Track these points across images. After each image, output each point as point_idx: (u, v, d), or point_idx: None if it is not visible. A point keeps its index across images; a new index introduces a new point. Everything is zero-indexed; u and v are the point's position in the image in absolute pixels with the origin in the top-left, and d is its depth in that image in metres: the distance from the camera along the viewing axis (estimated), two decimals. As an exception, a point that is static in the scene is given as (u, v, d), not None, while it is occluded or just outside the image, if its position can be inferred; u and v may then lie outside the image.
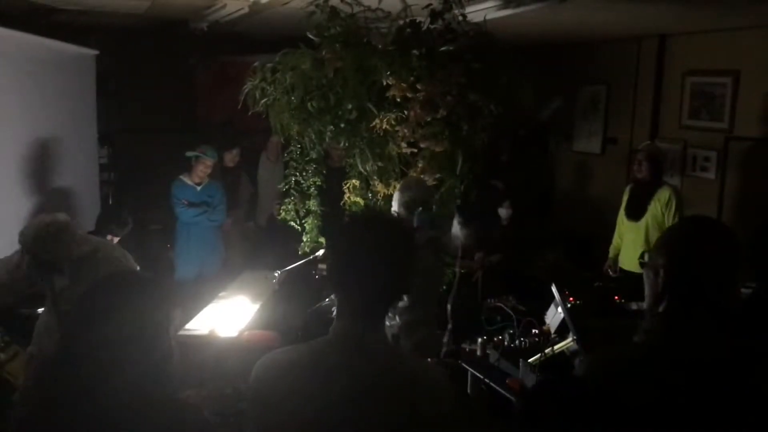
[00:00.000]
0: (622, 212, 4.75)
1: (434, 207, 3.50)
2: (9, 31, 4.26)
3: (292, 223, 4.47)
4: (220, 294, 4.14)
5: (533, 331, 3.40)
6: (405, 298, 3.49)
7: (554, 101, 6.74)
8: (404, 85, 3.60)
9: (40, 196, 4.72)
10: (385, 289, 1.52)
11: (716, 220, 1.60)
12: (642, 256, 1.61)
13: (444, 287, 4.34)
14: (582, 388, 1.45)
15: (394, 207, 3.47)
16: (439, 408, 1.46)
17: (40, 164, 4.77)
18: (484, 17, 3.82)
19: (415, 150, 3.84)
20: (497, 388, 3.05)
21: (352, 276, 1.50)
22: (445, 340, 3.76)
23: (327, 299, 3.61)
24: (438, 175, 3.86)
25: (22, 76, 4.54)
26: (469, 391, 3.33)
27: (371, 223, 1.59)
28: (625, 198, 4.76)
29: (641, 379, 1.40)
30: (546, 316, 3.41)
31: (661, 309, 1.50)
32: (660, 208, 4.40)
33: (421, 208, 3.35)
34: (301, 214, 4.44)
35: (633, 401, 1.38)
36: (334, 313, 1.59)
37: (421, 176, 3.86)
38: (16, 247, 3.95)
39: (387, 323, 3.63)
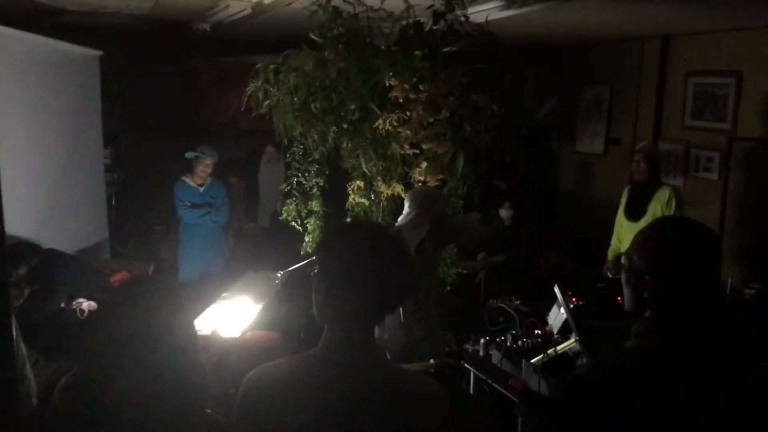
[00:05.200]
0: (620, 214, 4.74)
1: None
2: (14, 32, 4.27)
3: (294, 224, 4.48)
4: (223, 294, 4.15)
5: (536, 331, 3.41)
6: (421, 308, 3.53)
7: (550, 102, 6.74)
8: (407, 85, 3.60)
9: (46, 197, 4.73)
10: (377, 299, 1.48)
11: (693, 220, 1.57)
12: (618, 259, 1.61)
13: (449, 288, 4.35)
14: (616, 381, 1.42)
15: (409, 215, 3.46)
16: (431, 423, 1.43)
17: (46, 165, 4.78)
18: (487, 18, 3.82)
19: (418, 151, 3.84)
20: (500, 388, 3.05)
21: (342, 288, 1.47)
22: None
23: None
24: (441, 176, 3.86)
25: (28, 76, 4.55)
26: (471, 391, 3.33)
27: (359, 234, 1.55)
28: (623, 199, 4.75)
29: (639, 386, 1.39)
30: (549, 317, 3.41)
31: (647, 314, 1.49)
32: (660, 208, 4.40)
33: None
34: (303, 214, 4.44)
35: (631, 408, 1.38)
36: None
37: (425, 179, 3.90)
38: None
39: (389, 333, 3.66)
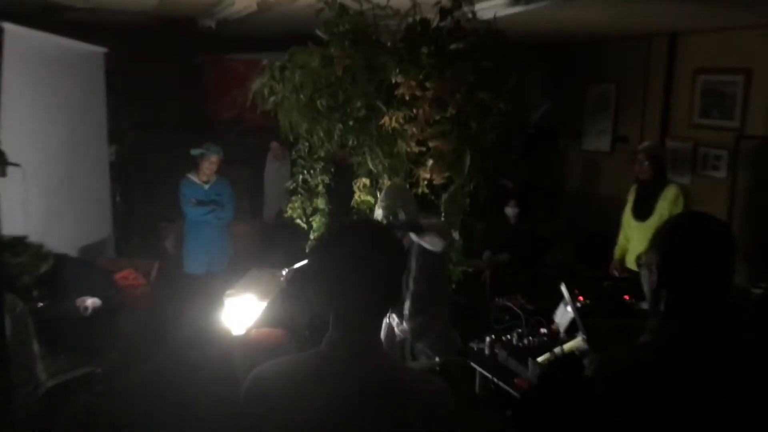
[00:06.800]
0: (627, 213, 4.71)
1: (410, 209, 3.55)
2: (20, 28, 4.27)
3: (299, 221, 4.47)
4: (228, 291, 4.14)
5: (542, 330, 3.40)
6: (408, 304, 3.53)
7: (547, 104, 6.72)
8: (413, 83, 3.58)
9: (51, 195, 4.73)
10: (380, 298, 1.48)
11: (709, 215, 1.57)
12: (639, 258, 1.61)
13: (453, 286, 4.33)
14: (583, 384, 1.44)
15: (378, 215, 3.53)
16: (433, 422, 1.43)
17: (52, 161, 4.78)
18: (494, 15, 3.81)
19: (424, 148, 3.83)
20: (505, 387, 3.04)
21: (344, 289, 1.46)
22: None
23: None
24: (446, 174, 3.85)
25: (34, 73, 4.55)
26: (477, 390, 3.33)
27: (358, 233, 1.54)
28: (630, 199, 4.72)
29: (650, 380, 1.39)
30: (555, 316, 3.40)
31: (662, 307, 1.49)
32: (668, 206, 4.37)
33: (392, 216, 3.44)
34: (308, 212, 4.43)
35: (642, 402, 1.38)
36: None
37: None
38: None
39: (397, 330, 3.66)
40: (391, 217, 3.47)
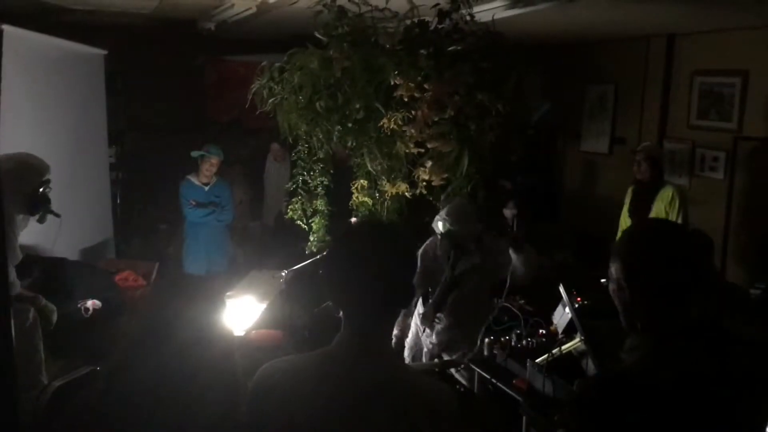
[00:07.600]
0: (625, 213, 4.73)
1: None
2: (21, 31, 4.28)
3: (299, 223, 4.47)
4: (228, 293, 4.15)
5: (540, 331, 3.40)
6: (443, 318, 3.54)
7: (544, 106, 6.73)
8: (412, 84, 3.59)
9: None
10: (386, 299, 1.49)
11: (671, 223, 1.54)
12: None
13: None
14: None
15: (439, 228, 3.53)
16: (438, 424, 1.43)
17: (52, 163, 4.78)
18: (492, 17, 3.82)
19: (423, 150, 3.83)
20: (504, 388, 3.05)
21: (350, 289, 1.47)
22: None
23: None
24: (445, 175, 3.86)
25: (34, 75, 4.56)
26: (476, 391, 3.33)
27: (369, 234, 1.55)
28: (627, 199, 4.74)
29: (635, 403, 1.35)
30: (553, 317, 3.41)
31: (639, 325, 1.44)
32: (664, 207, 4.38)
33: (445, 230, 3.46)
34: (309, 213, 4.44)
35: (629, 425, 1.35)
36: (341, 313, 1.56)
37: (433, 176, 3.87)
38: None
39: (425, 341, 3.65)
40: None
